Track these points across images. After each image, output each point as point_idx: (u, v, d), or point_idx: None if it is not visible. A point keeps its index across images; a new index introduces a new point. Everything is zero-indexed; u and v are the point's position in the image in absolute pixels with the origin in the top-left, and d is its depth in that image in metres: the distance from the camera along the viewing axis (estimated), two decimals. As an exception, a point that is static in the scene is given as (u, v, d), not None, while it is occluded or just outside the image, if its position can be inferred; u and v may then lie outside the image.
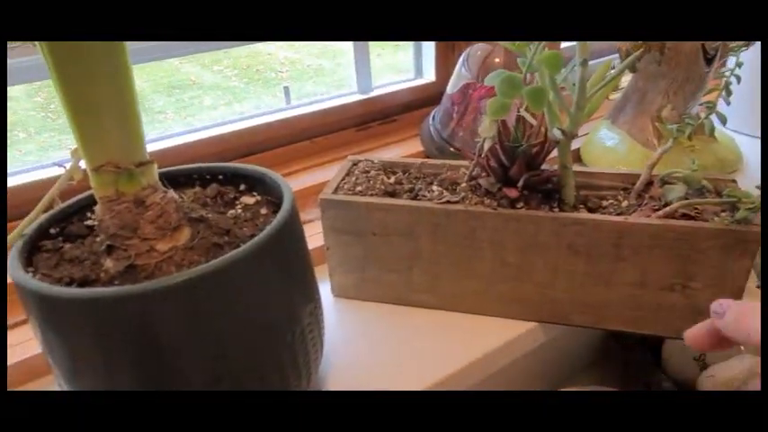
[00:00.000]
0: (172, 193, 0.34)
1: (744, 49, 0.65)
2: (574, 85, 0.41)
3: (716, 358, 0.55)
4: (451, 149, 0.66)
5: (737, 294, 0.41)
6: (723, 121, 0.50)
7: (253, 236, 0.35)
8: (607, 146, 0.70)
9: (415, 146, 0.70)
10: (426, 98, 0.76)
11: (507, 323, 0.48)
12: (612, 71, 0.41)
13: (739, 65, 0.51)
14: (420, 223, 0.45)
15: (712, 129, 0.65)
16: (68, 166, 0.34)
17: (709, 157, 0.68)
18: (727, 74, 0.51)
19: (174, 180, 0.40)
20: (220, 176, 0.41)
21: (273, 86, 3.65)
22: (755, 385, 0.50)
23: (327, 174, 0.64)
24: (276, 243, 0.32)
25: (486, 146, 0.42)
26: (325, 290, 0.52)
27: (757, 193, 0.40)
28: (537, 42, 0.34)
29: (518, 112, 0.41)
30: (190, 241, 0.33)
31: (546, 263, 0.44)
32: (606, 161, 0.69)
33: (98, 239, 0.34)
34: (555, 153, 0.44)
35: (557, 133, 0.42)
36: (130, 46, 0.30)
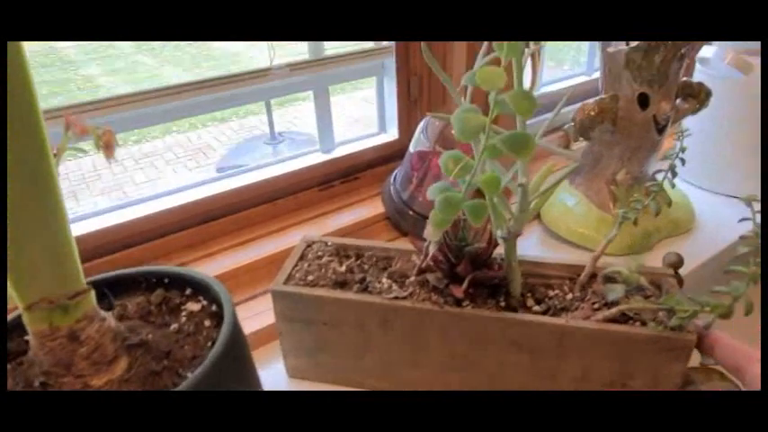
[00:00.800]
0: (109, 321, 0.34)
1: (690, 114, 0.67)
2: (519, 186, 0.42)
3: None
4: (410, 213, 0.67)
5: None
6: (672, 185, 0.53)
7: (194, 357, 0.36)
8: (565, 207, 0.71)
9: (378, 206, 0.71)
10: (390, 155, 0.76)
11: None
12: (553, 177, 0.42)
13: (686, 135, 0.52)
14: (369, 316, 0.45)
15: (669, 201, 0.67)
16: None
17: (662, 220, 0.69)
18: (678, 144, 0.52)
19: (119, 285, 0.41)
20: (166, 279, 0.41)
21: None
22: None
23: (289, 239, 0.64)
24: (216, 370, 0.32)
25: (432, 249, 0.43)
26: (280, 369, 0.52)
27: (701, 299, 0.42)
28: (473, 169, 0.35)
29: (462, 216, 0.42)
30: (126, 372, 0.33)
31: (492, 357, 0.45)
32: (564, 222, 0.70)
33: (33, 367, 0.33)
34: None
35: (501, 237, 0.43)
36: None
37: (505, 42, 0.29)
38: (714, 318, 0.39)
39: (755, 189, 0.76)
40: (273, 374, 0.52)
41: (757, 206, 0.37)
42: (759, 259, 0.37)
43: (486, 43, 0.37)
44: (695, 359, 0.43)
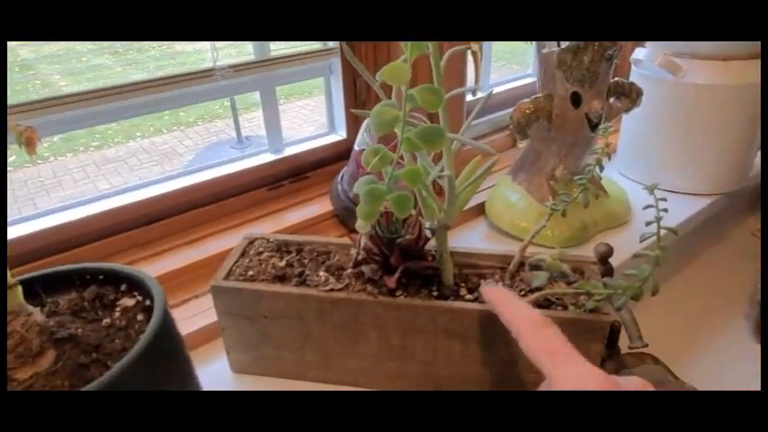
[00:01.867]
0: (36, 316, 0.34)
1: (624, 113, 0.71)
2: (441, 178, 0.44)
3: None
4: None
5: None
6: (599, 178, 0.55)
7: (124, 350, 0.36)
8: (508, 202, 0.74)
9: (326, 204, 0.72)
10: (338, 153, 0.78)
11: (397, 396, 0.50)
12: (479, 171, 0.44)
13: (610, 131, 0.55)
14: (307, 309, 0.47)
15: (602, 190, 0.70)
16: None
17: (599, 213, 0.73)
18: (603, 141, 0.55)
19: (52, 283, 0.41)
20: (101, 276, 0.42)
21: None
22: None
23: (235, 239, 0.65)
24: (145, 360, 0.33)
25: (364, 240, 0.44)
26: (224, 365, 0.53)
27: (614, 282, 0.44)
28: (393, 161, 0.36)
29: (385, 208, 0.43)
30: (53, 365, 0.33)
31: (426, 344, 0.47)
32: (508, 216, 0.73)
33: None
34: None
35: (431, 225, 0.45)
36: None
37: (409, 42, 0.31)
38: (626, 299, 0.42)
39: (685, 181, 0.81)
40: (217, 370, 0.53)
41: (659, 194, 0.40)
42: (662, 243, 0.40)
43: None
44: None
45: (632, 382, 0.33)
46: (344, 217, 0.70)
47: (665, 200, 0.39)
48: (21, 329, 0.32)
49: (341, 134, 0.79)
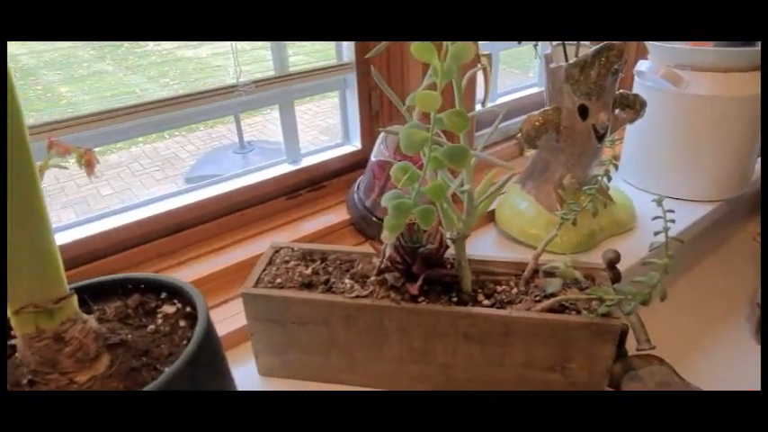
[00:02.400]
0: (91, 322, 0.37)
1: (628, 123, 0.74)
2: (462, 192, 0.46)
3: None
4: (374, 219, 0.71)
5: (604, 373, 0.48)
6: (607, 188, 0.58)
7: (171, 354, 0.39)
8: (518, 209, 0.76)
9: (343, 213, 0.75)
10: (353, 164, 0.81)
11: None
12: (494, 186, 0.47)
13: (617, 143, 0.58)
14: (334, 315, 0.49)
15: (609, 199, 0.73)
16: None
17: (605, 220, 0.76)
18: (611, 153, 0.58)
19: (97, 292, 0.43)
20: (142, 285, 0.44)
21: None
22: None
23: (257, 247, 0.68)
24: (191, 364, 0.36)
25: (389, 251, 0.47)
26: (251, 368, 0.56)
27: (625, 288, 0.47)
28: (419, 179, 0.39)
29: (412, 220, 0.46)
30: (108, 369, 0.36)
31: (446, 348, 0.49)
32: (517, 224, 0.76)
33: (20, 368, 0.36)
34: (451, 250, 0.49)
35: (450, 238, 0.47)
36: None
37: (439, 69, 0.33)
38: (636, 304, 0.44)
39: (687, 188, 0.84)
40: (245, 374, 0.55)
41: (666, 205, 0.42)
42: (670, 252, 0.43)
43: (431, 66, 0.42)
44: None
45: None
46: (361, 225, 0.72)
47: (672, 211, 0.42)
48: (79, 335, 0.35)
49: (355, 145, 0.81)
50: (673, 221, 0.42)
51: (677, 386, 0.56)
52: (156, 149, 4.31)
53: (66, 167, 0.36)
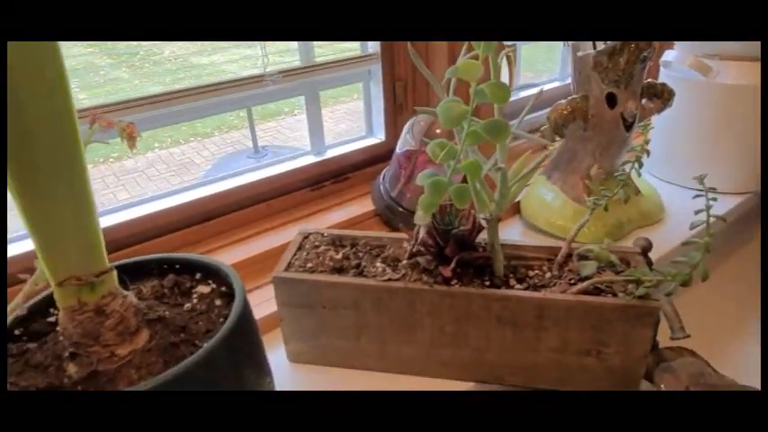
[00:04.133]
0: (130, 297, 0.37)
1: (656, 113, 0.73)
2: (497, 170, 0.46)
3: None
4: (400, 209, 0.71)
5: (642, 358, 0.47)
6: (639, 174, 0.57)
7: (208, 331, 0.39)
8: (544, 201, 0.76)
9: (367, 204, 0.75)
10: (377, 156, 0.80)
11: (448, 384, 0.52)
12: (527, 168, 0.46)
13: (649, 128, 0.57)
14: (365, 298, 0.49)
15: (637, 189, 0.72)
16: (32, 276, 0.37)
17: (633, 211, 0.75)
18: (642, 138, 0.57)
19: (134, 272, 0.44)
20: (177, 266, 0.44)
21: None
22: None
23: (283, 236, 0.68)
24: (229, 341, 0.36)
25: (422, 232, 0.47)
26: (281, 354, 0.56)
27: (664, 270, 0.46)
28: (462, 143, 0.39)
29: (448, 201, 0.46)
30: (147, 343, 0.36)
31: (479, 331, 0.49)
32: (543, 215, 0.75)
33: (60, 340, 0.36)
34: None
35: (484, 218, 0.47)
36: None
37: (482, 42, 0.33)
38: (676, 285, 0.43)
39: (716, 180, 0.82)
40: (274, 360, 0.54)
41: (710, 179, 0.42)
42: (711, 231, 0.42)
43: (466, 44, 0.42)
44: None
45: None
46: (386, 216, 0.72)
47: (714, 189, 0.41)
48: (119, 309, 0.35)
49: (379, 137, 0.81)
50: (715, 199, 0.41)
51: (711, 378, 0.55)
52: (172, 155, 4.36)
53: (107, 143, 0.36)
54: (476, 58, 0.35)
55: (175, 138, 4.60)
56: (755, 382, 0.58)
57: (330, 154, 0.77)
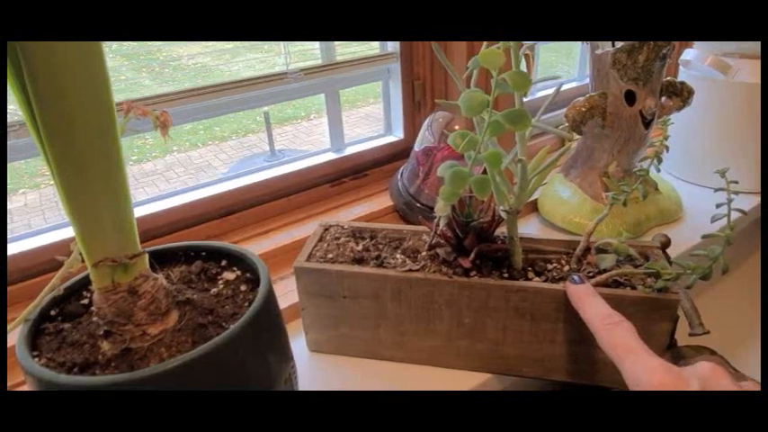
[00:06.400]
0: (161, 279, 0.38)
1: (675, 112, 0.73)
2: (518, 162, 0.47)
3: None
4: (418, 205, 0.72)
5: (660, 352, 0.47)
6: (658, 170, 0.57)
7: (234, 314, 0.40)
8: (561, 198, 0.76)
9: (386, 200, 0.76)
10: (395, 153, 0.82)
11: (466, 375, 0.53)
12: (549, 159, 0.47)
13: (670, 124, 0.57)
14: (385, 289, 0.50)
15: (655, 185, 0.72)
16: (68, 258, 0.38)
17: (652, 209, 0.75)
18: (662, 133, 0.57)
19: (162, 258, 0.45)
20: (203, 253, 0.46)
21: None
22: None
23: (303, 230, 0.69)
24: (255, 323, 0.37)
25: (442, 223, 0.47)
26: (300, 344, 0.57)
27: (683, 262, 0.46)
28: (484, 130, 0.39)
29: (468, 193, 0.47)
30: (177, 323, 0.37)
31: (497, 323, 0.49)
32: (560, 213, 0.75)
33: (94, 320, 0.38)
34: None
35: (504, 210, 0.47)
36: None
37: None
38: (695, 278, 0.44)
39: (737, 179, 0.82)
40: (294, 350, 0.56)
41: (729, 177, 0.42)
42: (732, 224, 0.42)
43: (485, 43, 0.43)
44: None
45: (699, 368, 0.33)
46: (404, 211, 0.73)
47: (736, 182, 0.41)
48: (151, 290, 0.37)
49: (397, 135, 0.83)
50: (736, 193, 0.41)
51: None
52: (190, 158, 4.42)
53: (140, 132, 0.38)
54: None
55: (193, 141, 4.67)
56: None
57: (349, 151, 0.78)
